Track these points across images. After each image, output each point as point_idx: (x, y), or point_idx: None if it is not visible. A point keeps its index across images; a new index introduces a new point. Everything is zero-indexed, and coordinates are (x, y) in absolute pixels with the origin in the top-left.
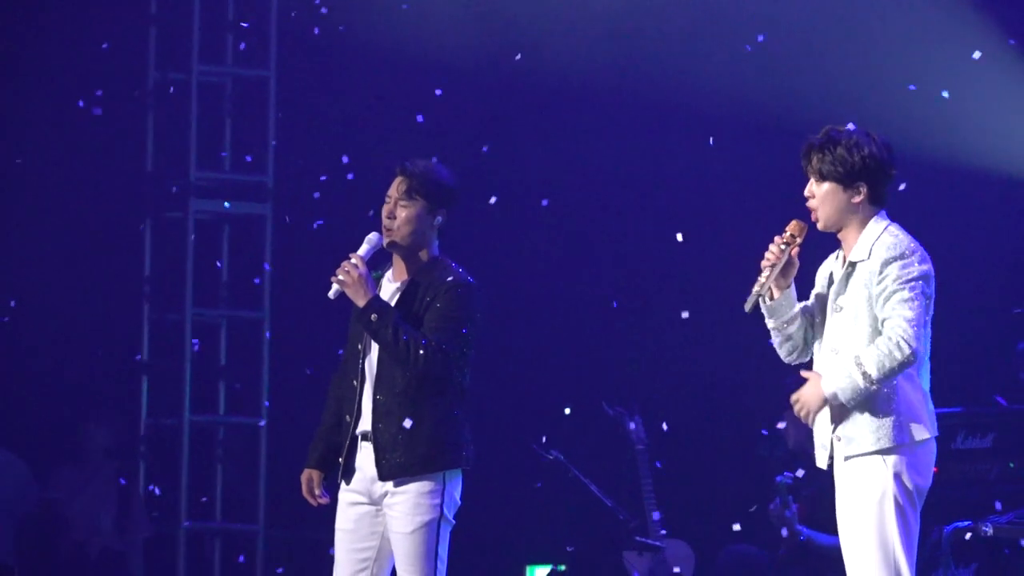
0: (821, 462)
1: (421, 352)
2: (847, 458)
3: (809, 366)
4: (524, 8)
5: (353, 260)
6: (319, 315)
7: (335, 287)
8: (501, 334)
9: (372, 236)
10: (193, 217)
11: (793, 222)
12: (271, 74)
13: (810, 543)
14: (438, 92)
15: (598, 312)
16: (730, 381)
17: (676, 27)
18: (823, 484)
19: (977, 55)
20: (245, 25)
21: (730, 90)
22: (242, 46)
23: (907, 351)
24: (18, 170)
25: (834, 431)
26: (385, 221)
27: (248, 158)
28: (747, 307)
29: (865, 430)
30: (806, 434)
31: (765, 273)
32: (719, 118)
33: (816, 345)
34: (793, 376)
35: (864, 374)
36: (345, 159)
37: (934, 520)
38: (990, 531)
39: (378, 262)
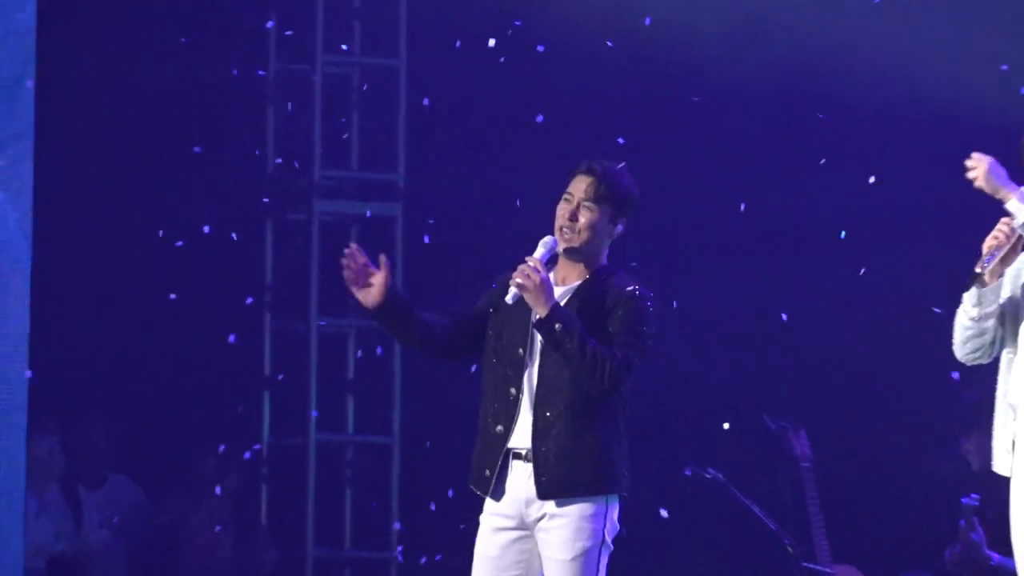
0: (1003, 468)
1: (609, 368)
2: None
3: (990, 368)
4: None
5: (532, 263)
6: None
7: (513, 290)
8: (656, 343)
9: (548, 239)
10: (318, 219)
11: None
12: (401, 63)
13: (1001, 569)
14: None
15: (758, 319)
16: (904, 394)
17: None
18: (1007, 504)
19: None
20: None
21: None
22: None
23: None
24: (132, 175)
25: None
26: (563, 223)
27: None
28: (968, 290)
29: None
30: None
31: (990, 254)
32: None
33: (1008, 350)
34: (972, 389)
35: None
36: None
37: None
38: None
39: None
